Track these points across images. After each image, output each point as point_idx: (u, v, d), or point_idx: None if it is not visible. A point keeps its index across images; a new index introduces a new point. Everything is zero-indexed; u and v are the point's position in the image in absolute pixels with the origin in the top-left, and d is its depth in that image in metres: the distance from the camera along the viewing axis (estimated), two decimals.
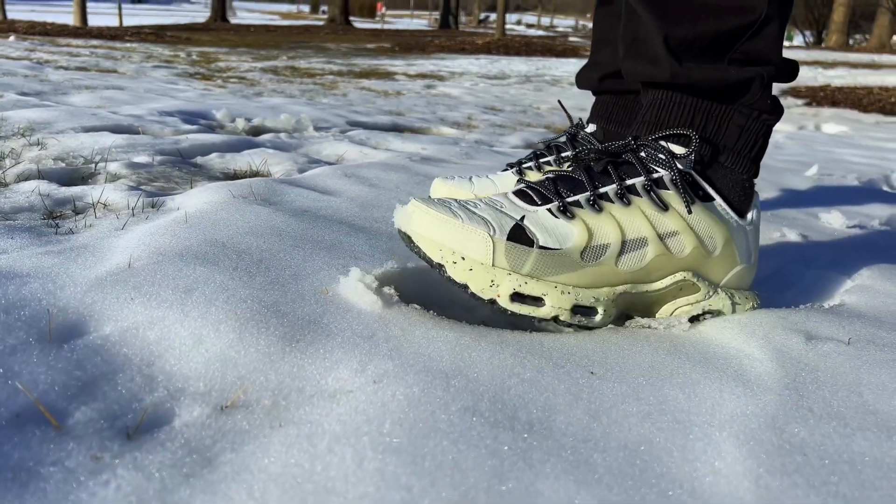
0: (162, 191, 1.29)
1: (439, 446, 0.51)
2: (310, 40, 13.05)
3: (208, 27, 16.83)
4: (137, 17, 21.57)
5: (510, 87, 5.64)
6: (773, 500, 0.49)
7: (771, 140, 3.41)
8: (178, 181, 1.37)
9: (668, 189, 0.79)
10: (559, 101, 1.35)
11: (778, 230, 1.33)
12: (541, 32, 27.88)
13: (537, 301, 0.75)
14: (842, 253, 1.20)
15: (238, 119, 2.27)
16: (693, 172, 0.81)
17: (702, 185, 0.81)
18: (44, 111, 1.92)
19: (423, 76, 6.16)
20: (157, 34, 11.32)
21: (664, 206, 0.78)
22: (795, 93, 6.24)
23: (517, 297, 0.74)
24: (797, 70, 0.87)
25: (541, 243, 0.74)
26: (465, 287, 0.73)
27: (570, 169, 0.83)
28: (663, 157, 0.79)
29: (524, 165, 1.31)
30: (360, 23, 28.85)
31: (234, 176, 1.50)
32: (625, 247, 0.77)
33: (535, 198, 0.78)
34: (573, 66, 9.02)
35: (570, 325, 0.77)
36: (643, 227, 0.77)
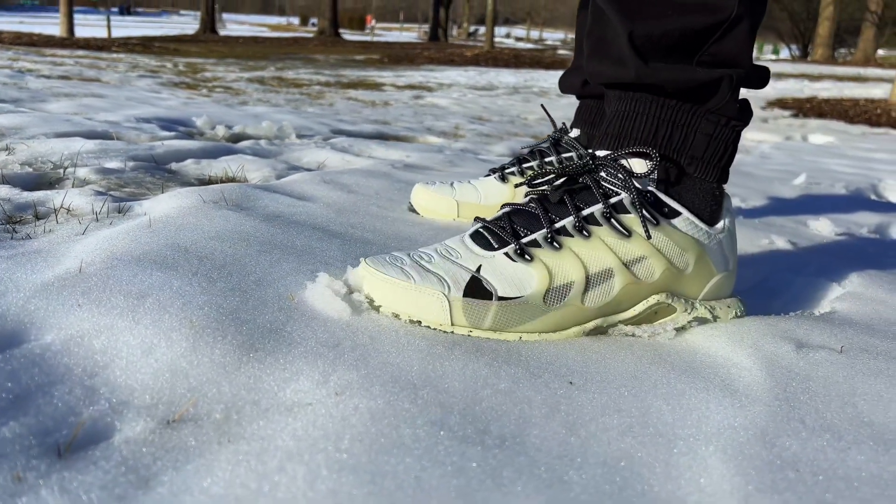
0: (132, 196, 1.24)
1: (402, 464, 0.46)
2: (299, 52, 13.04)
3: (197, 39, 16.81)
4: (126, 28, 21.51)
5: (498, 98, 5.62)
6: None
7: (758, 150, 3.41)
8: (149, 187, 1.33)
9: (629, 213, 0.75)
10: (542, 106, 1.32)
11: (766, 238, 1.30)
12: (530, 45, 28.05)
13: None
14: (831, 260, 1.17)
15: (218, 126, 2.22)
16: (655, 190, 0.76)
17: (666, 201, 0.76)
18: (16, 117, 1.87)
19: (411, 87, 6.14)
20: (145, 45, 11.27)
21: (627, 233, 0.74)
22: (782, 104, 6.27)
23: None
24: (768, 76, 0.84)
25: (500, 294, 0.71)
26: None
27: (526, 200, 0.79)
28: (623, 176, 0.75)
29: (507, 171, 1.28)
30: (349, 35, 28.92)
31: (208, 182, 1.45)
32: (590, 282, 0.73)
33: (492, 240, 0.75)
34: None
35: None
36: (607, 258, 0.73)
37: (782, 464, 0.50)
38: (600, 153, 0.79)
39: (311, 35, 24.60)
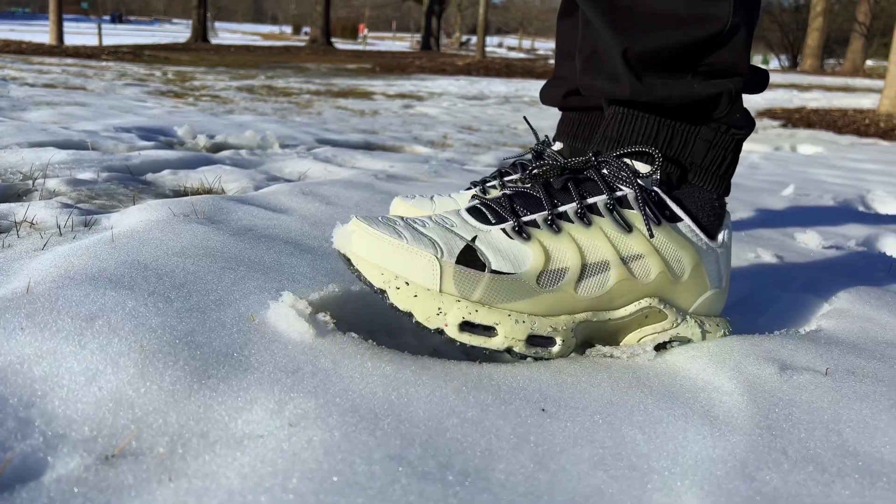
0: (102, 209, 1.21)
1: None
2: (290, 60, 13.03)
3: (188, 47, 16.78)
4: (118, 36, 21.44)
5: (488, 108, 5.61)
6: None
7: (747, 160, 3.40)
8: (121, 199, 1.29)
9: (632, 209, 0.72)
10: (525, 118, 1.29)
11: (752, 251, 1.28)
12: (521, 55, 28.16)
13: (489, 331, 0.67)
14: (818, 275, 1.15)
15: (200, 136, 2.19)
16: (659, 191, 0.74)
17: (669, 204, 0.74)
18: None
19: (401, 96, 6.13)
20: (135, 53, 11.23)
21: (628, 227, 0.71)
22: (771, 114, 6.28)
23: (467, 326, 0.66)
24: (767, 79, 0.82)
25: (493, 267, 0.67)
26: (410, 315, 0.66)
27: (528, 185, 0.77)
28: (626, 174, 0.72)
29: (488, 184, 1.25)
30: (342, 44, 28.95)
31: (183, 193, 1.42)
32: (585, 271, 0.70)
33: (490, 216, 0.71)
34: None
35: (524, 357, 0.70)
36: (605, 249, 0.71)
37: (762, 500, 0.47)
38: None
39: (303, 44, 24.61)
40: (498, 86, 8.93)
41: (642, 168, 0.75)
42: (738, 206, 1.94)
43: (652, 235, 0.71)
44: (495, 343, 0.67)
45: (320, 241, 1.03)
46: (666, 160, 0.75)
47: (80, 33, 20.54)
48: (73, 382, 0.54)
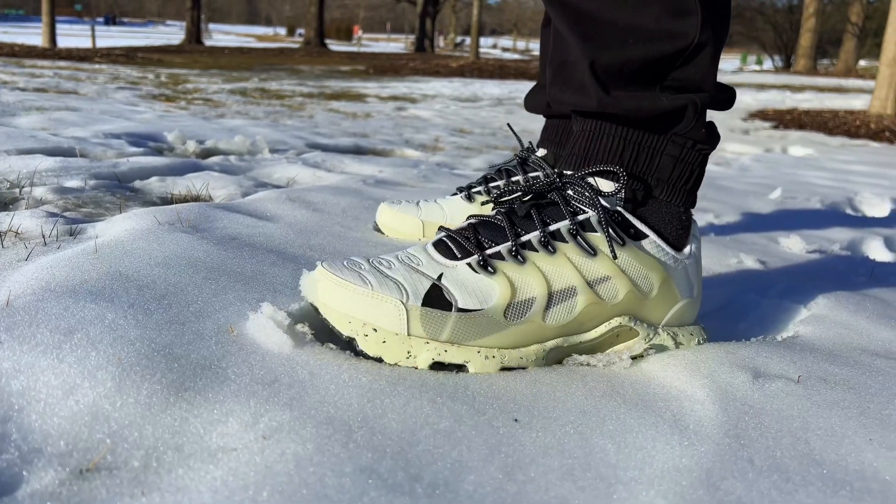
0: (88, 217, 1.21)
1: None
2: (284, 62, 13.02)
3: (182, 49, 16.76)
4: (112, 38, 21.40)
5: (482, 110, 5.62)
6: None
7: (737, 163, 3.42)
8: (108, 207, 1.30)
9: (595, 231, 0.73)
10: (509, 125, 1.30)
11: (735, 256, 1.29)
12: (516, 56, 28.20)
13: (460, 368, 0.69)
14: (799, 280, 1.16)
15: (189, 141, 2.19)
16: (622, 210, 0.75)
17: (633, 222, 0.75)
18: None
19: (395, 98, 6.13)
20: (129, 56, 11.21)
21: (592, 251, 0.72)
22: (763, 116, 6.31)
23: (438, 366, 0.68)
24: (734, 97, 0.83)
25: (460, 305, 0.68)
26: (380, 359, 0.67)
27: (492, 213, 0.77)
28: (589, 195, 0.73)
29: (473, 190, 1.26)
30: (336, 45, 28.95)
31: (170, 201, 1.42)
32: (552, 299, 0.71)
33: (456, 250, 0.72)
34: None
35: None
36: (570, 275, 0.71)
37: None
38: (566, 172, 0.77)
39: (297, 45, 24.60)
40: (491, 87, 8.95)
41: (608, 186, 0.75)
42: (724, 209, 1.95)
43: (615, 257, 0.72)
44: None
45: (304, 249, 1.03)
46: (631, 178, 0.76)
47: (73, 35, 20.49)
48: (50, 396, 0.55)
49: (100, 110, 3.10)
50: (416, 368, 0.67)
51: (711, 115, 0.83)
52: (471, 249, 0.72)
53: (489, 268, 0.70)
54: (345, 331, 0.67)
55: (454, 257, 0.72)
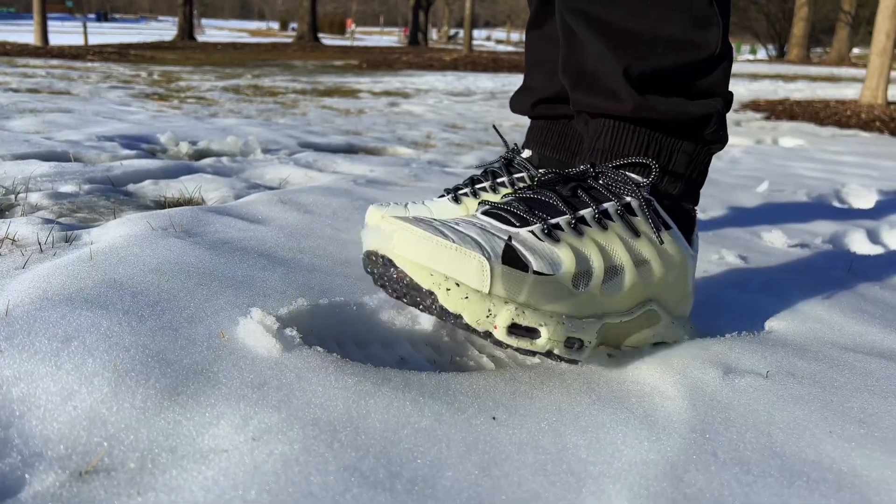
0: (83, 222, 1.24)
1: None
2: (277, 58, 13.00)
3: (175, 45, 16.69)
4: (104, 35, 21.31)
5: (474, 104, 5.64)
6: None
7: (728, 155, 3.45)
8: (102, 211, 1.32)
9: (636, 216, 0.76)
10: (494, 127, 1.33)
11: (717, 252, 1.32)
12: (510, 48, 28.15)
13: (532, 333, 0.67)
14: (778, 275, 1.19)
15: (182, 143, 2.21)
16: (654, 200, 0.79)
17: (661, 214, 0.79)
18: None
19: (388, 93, 6.14)
20: (121, 53, 11.18)
21: (636, 233, 0.76)
22: (755, 106, 6.34)
23: (514, 328, 0.66)
24: (732, 102, 0.89)
25: (535, 268, 0.68)
26: (459, 317, 0.65)
27: (531, 191, 0.79)
28: (628, 185, 0.77)
29: (460, 192, 1.29)
30: (329, 40, 28.87)
31: (164, 204, 1.45)
32: (607, 273, 0.73)
33: (512, 219, 0.72)
34: None
35: (560, 360, 0.72)
36: (621, 253, 0.74)
37: (685, 500, 0.51)
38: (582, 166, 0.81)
39: (290, 40, 24.53)
40: (485, 81, 8.95)
41: (636, 179, 0.79)
42: (711, 203, 1.99)
43: (662, 242, 0.76)
44: (538, 345, 0.68)
45: (295, 252, 1.06)
46: (663, 171, 0.81)
47: (65, 32, 20.41)
48: (49, 402, 0.58)
49: (92, 111, 3.11)
50: (493, 333, 0.66)
51: None
52: (530, 218, 0.72)
53: (553, 236, 0.71)
54: (425, 284, 0.64)
55: (513, 225, 0.72)
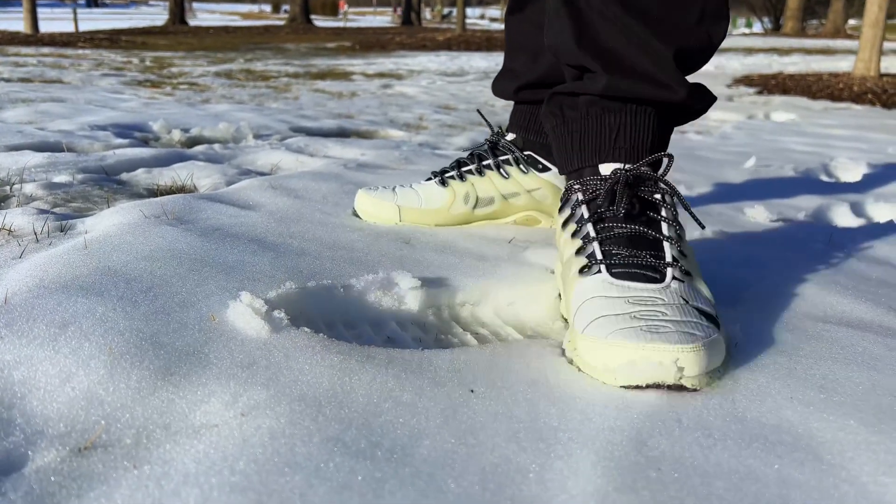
0: (77, 212, 1.26)
1: (290, 483, 0.50)
2: (269, 41, 12.92)
3: (166, 30, 16.57)
4: (94, 21, 21.12)
5: (467, 85, 5.63)
6: None
7: (719, 130, 3.47)
8: (96, 201, 1.35)
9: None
10: (478, 111, 1.35)
11: (698, 229, 1.35)
12: (503, 26, 27.88)
13: None
14: (756, 250, 1.22)
15: (175, 130, 2.23)
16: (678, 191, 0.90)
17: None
18: None
19: (381, 75, 6.13)
20: (112, 39, 11.11)
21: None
22: (748, 81, 6.33)
23: None
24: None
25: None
26: None
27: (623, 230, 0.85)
28: (667, 189, 0.86)
29: (447, 175, 1.31)
30: (322, 21, 28.63)
31: (157, 192, 1.47)
32: None
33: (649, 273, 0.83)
34: None
35: None
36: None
37: (647, 463, 0.55)
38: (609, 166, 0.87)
39: (282, 22, 24.34)
40: (478, 60, 8.92)
41: (607, 170, 0.88)
42: (697, 180, 2.01)
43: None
44: None
45: (284, 237, 1.09)
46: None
47: (55, 19, 20.23)
48: (48, 384, 0.61)
49: (85, 100, 3.12)
50: None
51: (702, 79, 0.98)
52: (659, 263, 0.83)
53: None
54: None
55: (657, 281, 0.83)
